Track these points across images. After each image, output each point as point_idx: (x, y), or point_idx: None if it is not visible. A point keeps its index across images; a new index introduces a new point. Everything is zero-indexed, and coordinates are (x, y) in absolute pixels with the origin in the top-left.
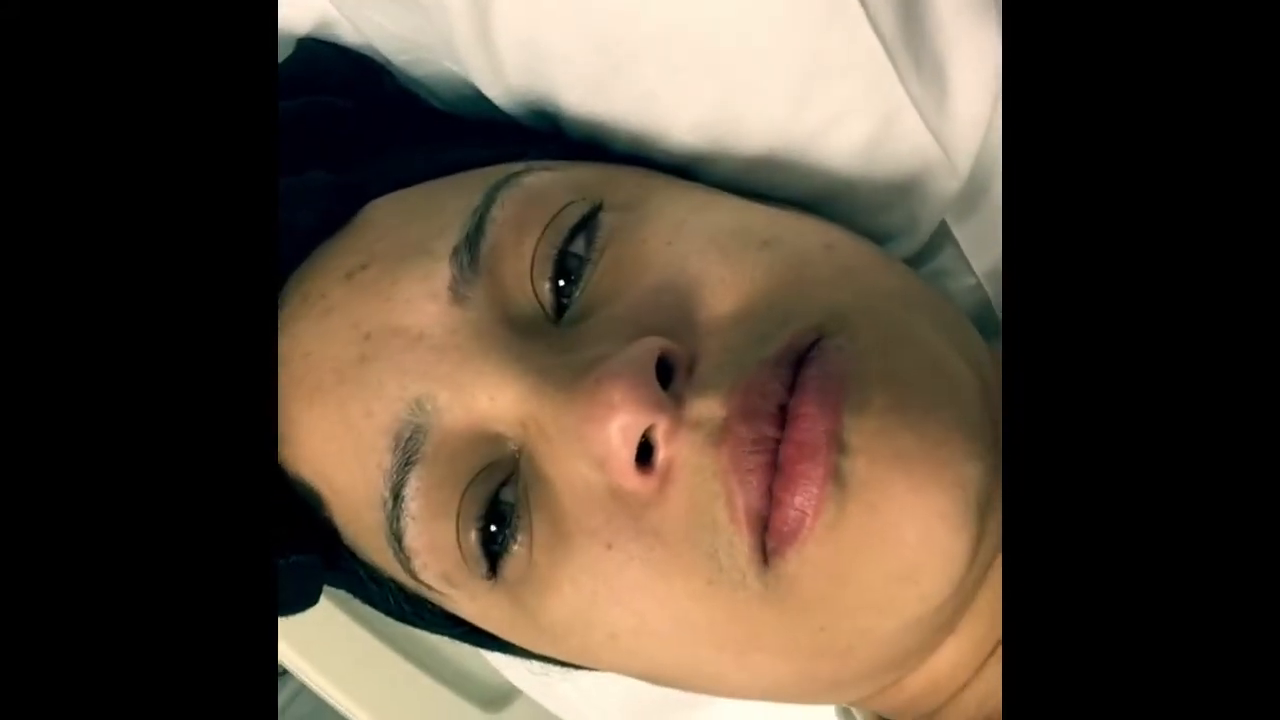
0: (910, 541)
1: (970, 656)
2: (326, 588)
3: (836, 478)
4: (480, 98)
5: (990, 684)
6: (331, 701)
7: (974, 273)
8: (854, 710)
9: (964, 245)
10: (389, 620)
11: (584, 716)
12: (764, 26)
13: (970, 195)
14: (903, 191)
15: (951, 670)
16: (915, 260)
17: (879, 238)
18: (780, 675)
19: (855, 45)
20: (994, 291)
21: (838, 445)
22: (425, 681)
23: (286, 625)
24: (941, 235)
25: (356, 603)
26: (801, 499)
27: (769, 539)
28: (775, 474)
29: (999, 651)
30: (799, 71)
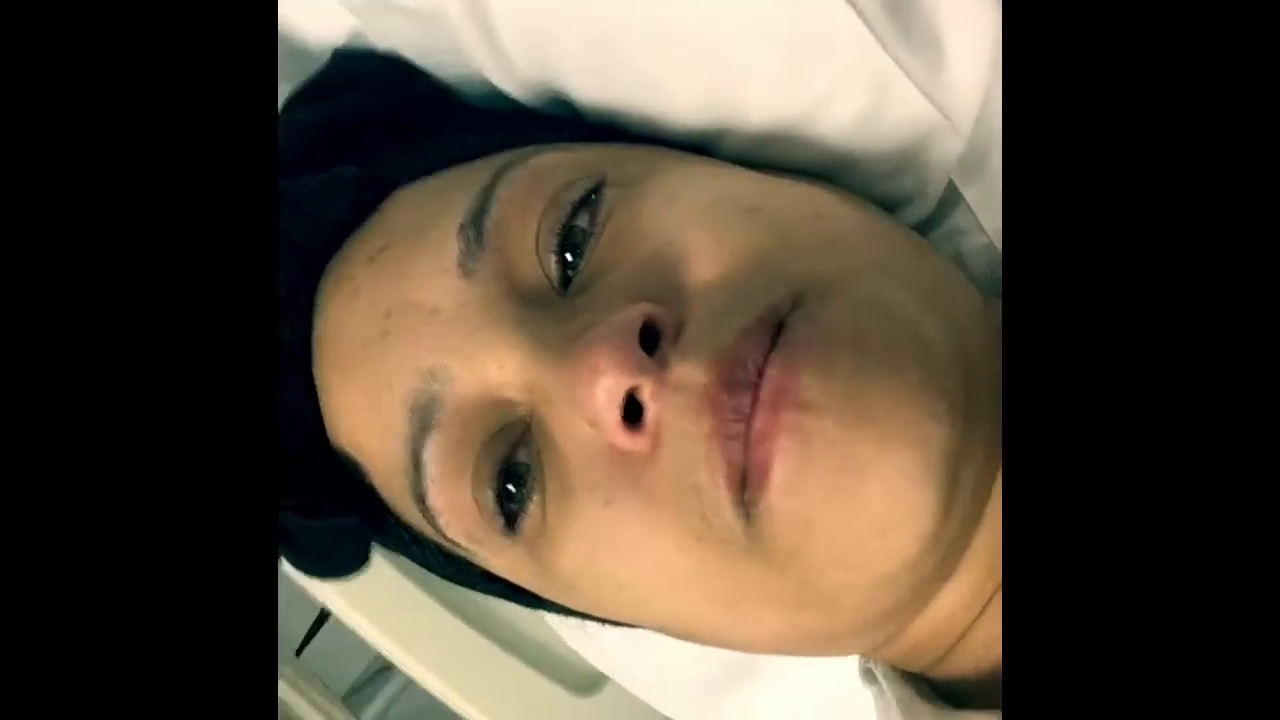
0: (875, 499)
1: (969, 600)
2: (425, 581)
3: (799, 431)
4: (501, 92)
5: (996, 627)
6: (433, 691)
7: (985, 231)
8: (874, 667)
9: (973, 205)
10: (480, 607)
11: (651, 690)
12: (747, 10)
13: (976, 157)
14: (907, 157)
15: (950, 616)
16: (930, 221)
17: (891, 204)
18: (772, 627)
19: (835, 21)
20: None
21: (797, 402)
22: (516, 665)
23: (388, 621)
24: (955, 196)
25: (446, 590)
26: (766, 447)
27: (746, 493)
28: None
29: (999, 595)
30: (785, 52)
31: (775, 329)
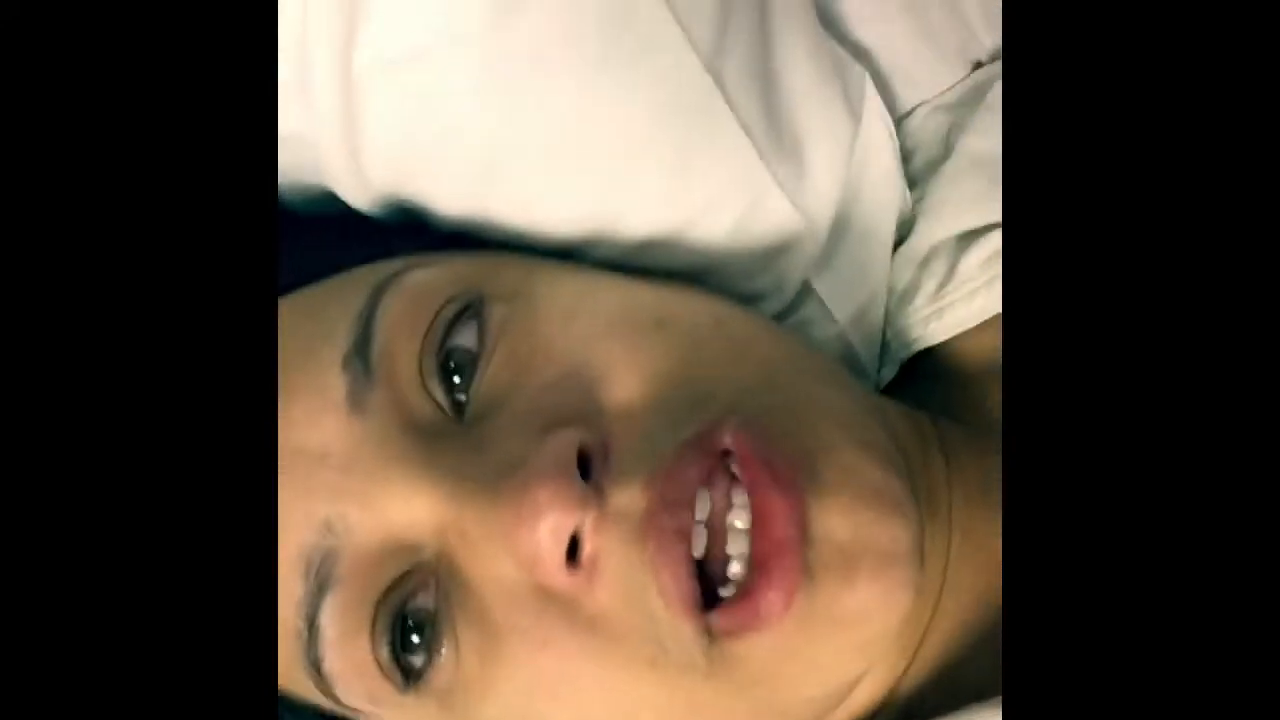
0: (875, 619)
1: (884, 682)
2: None
3: (802, 568)
4: (334, 199)
5: (903, 700)
6: None
7: (836, 321)
8: None
9: (825, 297)
10: None
11: None
12: (636, 129)
13: (826, 253)
14: (770, 258)
15: (870, 699)
16: (782, 315)
17: (750, 299)
18: None
19: (723, 138)
20: (856, 338)
21: (806, 538)
22: None
23: None
24: (804, 290)
25: None
26: (776, 594)
27: (719, 622)
28: (749, 566)
29: (909, 671)
30: (671, 167)
31: (714, 445)
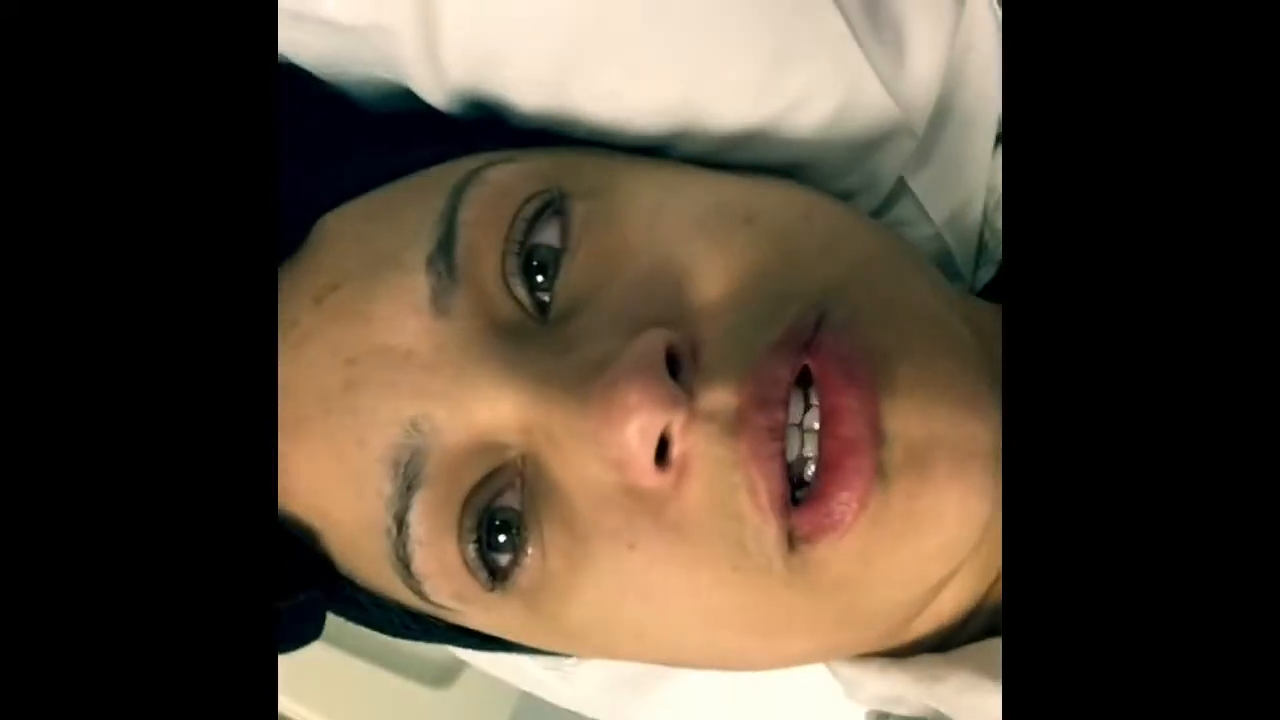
0: (951, 522)
1: (974, 590)
2: None
3: (880, 471)
4: (409, 95)
5: (993, 609)
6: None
7: (932, 221)
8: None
9: (921, 196)
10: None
11: (558, 694)
12: (730, 18)
13: (923, 148)
14: (864, 154)
15: (955, 608)
16: (873, 216)
17: (841, 197)
18: (804, 649)
19: (821, 26)
20: (952, 239)
21: (879, 437)
22: (367, 669)
23: None
24: (898, 188)
25: None
26: (849, 494)
27: (798, 525)
28: (819, 466)
29: (998, 581)
30: (766, 58)
31: (803, 345)
